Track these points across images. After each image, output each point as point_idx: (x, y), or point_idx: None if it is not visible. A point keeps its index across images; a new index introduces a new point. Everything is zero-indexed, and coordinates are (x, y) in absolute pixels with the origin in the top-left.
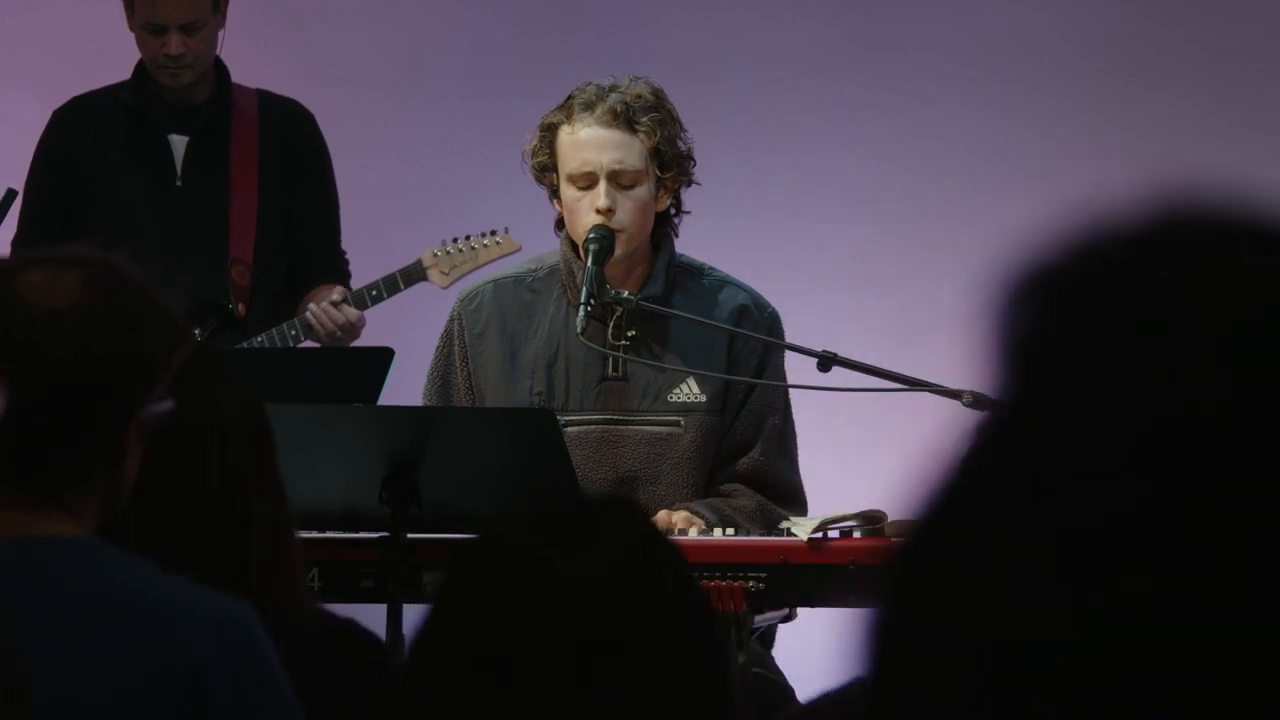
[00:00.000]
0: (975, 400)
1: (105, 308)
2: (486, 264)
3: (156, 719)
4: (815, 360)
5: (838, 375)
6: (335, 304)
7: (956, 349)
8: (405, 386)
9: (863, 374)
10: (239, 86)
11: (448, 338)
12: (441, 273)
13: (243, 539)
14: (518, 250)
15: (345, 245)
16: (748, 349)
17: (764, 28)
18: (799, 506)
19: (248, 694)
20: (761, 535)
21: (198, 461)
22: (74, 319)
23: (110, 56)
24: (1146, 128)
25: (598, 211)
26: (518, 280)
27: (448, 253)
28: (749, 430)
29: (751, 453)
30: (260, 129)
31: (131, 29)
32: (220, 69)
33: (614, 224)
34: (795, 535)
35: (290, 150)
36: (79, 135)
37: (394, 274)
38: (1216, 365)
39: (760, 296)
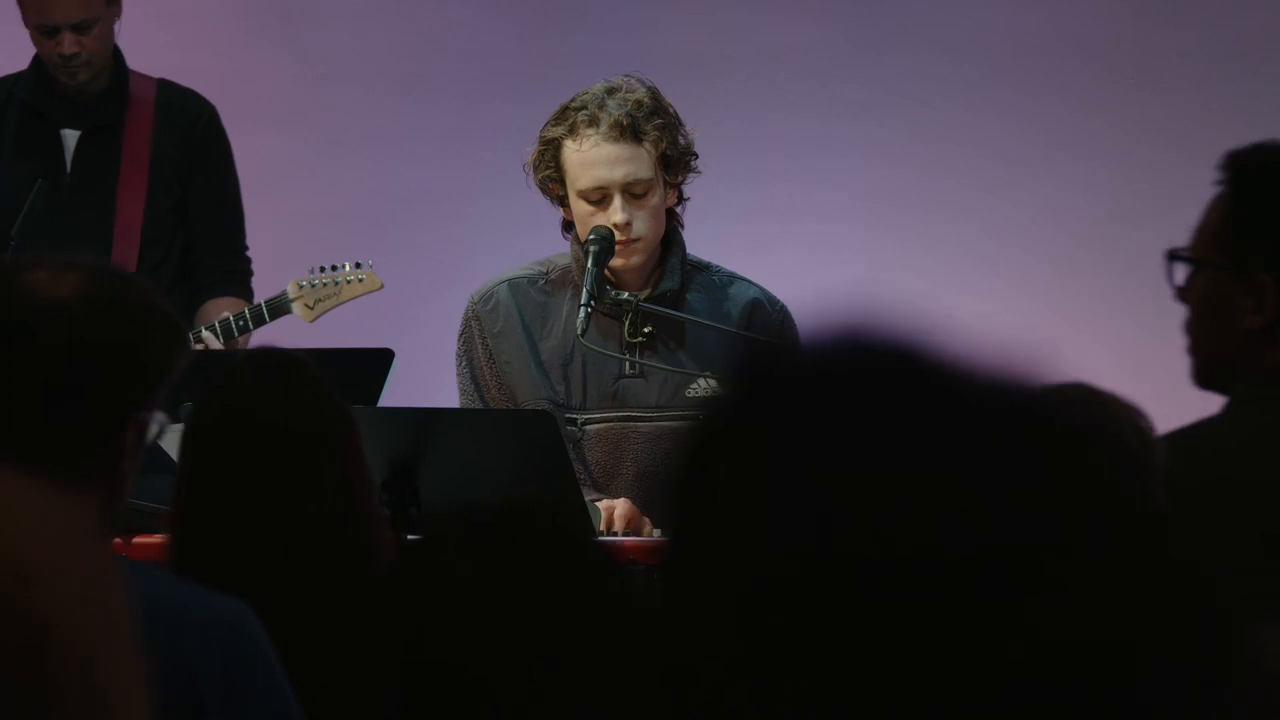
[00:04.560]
0: None
1: (107, 303)
2: (349, 300)
3: None
4: None
5: None
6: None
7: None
8: (405, 387)
9: None
10: (138, 75)
11: (468, 341)
12: (306, 306)
13: (357, 525)
14: (380, 288)
15: (345, 244)
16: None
17: (764, 29)
18: None
19: (240, 693)
20: None
21: (311, 466)
22: (75, 310)
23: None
24: (1146, 129)
25: (615, 227)
26: (530, 280)
27: (312, 285)
28: None
29: None
30: (155, 122)
31: (26, 27)
32: (117, 58)
33: (632, 235)
34: None
35: (187, 144)
36: None
37: (260, 305)
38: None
39: (769, 292)
